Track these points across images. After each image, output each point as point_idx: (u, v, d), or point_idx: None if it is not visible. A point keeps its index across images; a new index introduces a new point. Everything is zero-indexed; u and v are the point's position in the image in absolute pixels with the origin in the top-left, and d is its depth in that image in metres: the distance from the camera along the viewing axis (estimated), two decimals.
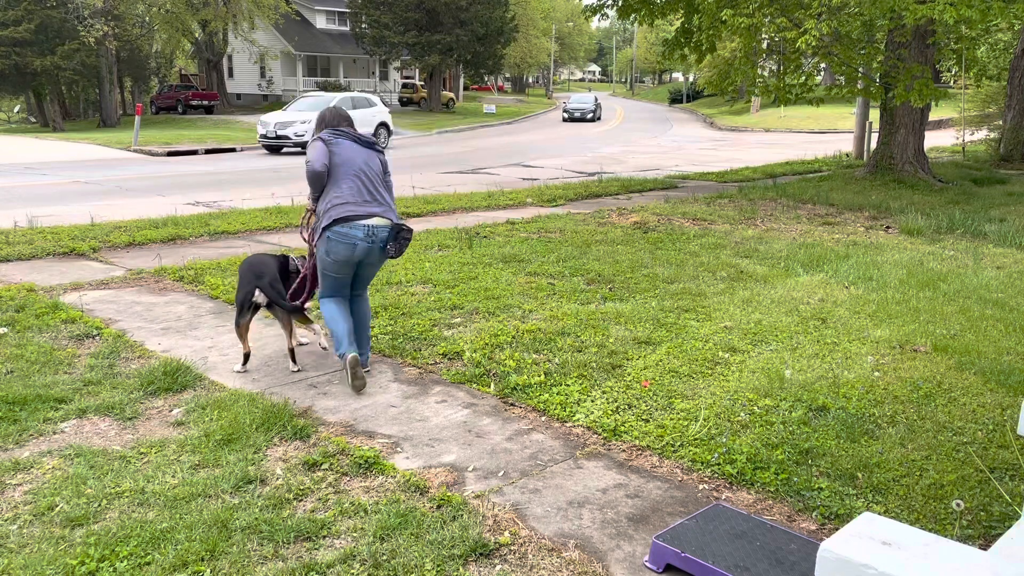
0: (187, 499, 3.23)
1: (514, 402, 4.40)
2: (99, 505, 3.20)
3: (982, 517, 3.22)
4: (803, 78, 15.08)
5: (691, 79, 60.92)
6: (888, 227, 10.14)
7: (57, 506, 3.18)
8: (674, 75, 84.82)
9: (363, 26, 43.28)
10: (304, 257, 5.04)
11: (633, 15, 16.52)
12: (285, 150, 22.32)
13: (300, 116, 21.65)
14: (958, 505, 3.01)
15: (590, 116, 43.29)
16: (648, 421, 4.11)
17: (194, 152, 22.63)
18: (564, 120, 42.81)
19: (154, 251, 8.26)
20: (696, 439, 3.85)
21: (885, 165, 14.98)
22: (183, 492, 3.28)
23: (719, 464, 3.65)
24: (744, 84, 16.63)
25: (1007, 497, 3.31)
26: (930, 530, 2.69)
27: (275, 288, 4.76)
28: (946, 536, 1.99)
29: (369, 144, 4.69)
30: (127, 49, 40.06)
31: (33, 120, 43.05)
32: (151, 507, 3.18)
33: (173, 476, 3.44)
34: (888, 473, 3.54)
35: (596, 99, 45.72)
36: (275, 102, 45.93)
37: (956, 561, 1.59)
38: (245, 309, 4.78)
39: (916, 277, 7.16)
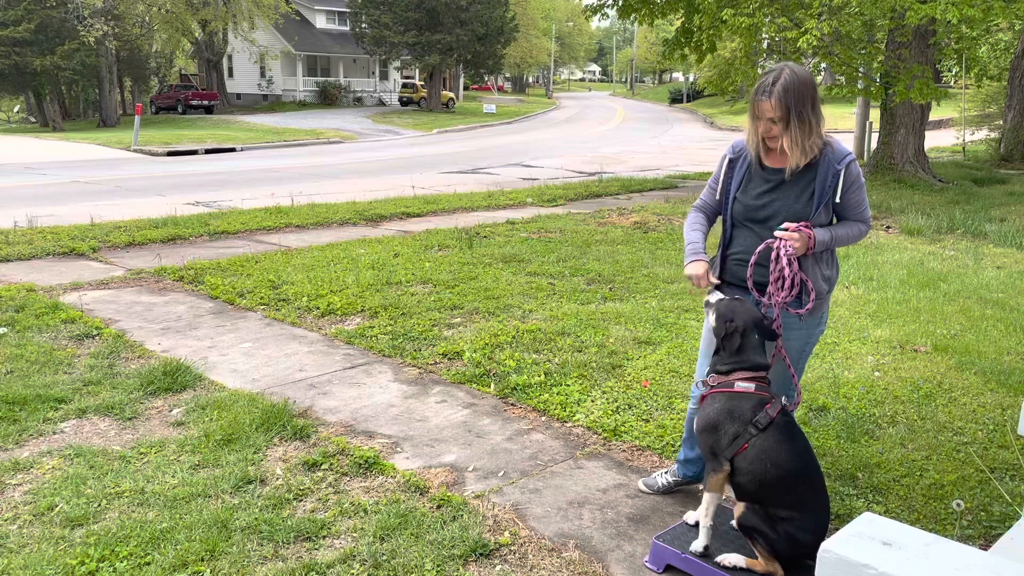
0: (187, 499, 3.23)
1: (514, 402, 4.40)
2: (99, 505, 3.20)
3: (982, 517, 3.22)
4: None
5: (691, 79, 60.84)
6: (888, 227, 10.14)
7: (57, 506, 3.18)
8: (674, 75, 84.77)
9: (363, 26, 43.28)
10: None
11: (633, 15, 16.54)
12: None
13: None
14: (958, 505, 3.01)
15: None
16: (648, 421, 4.11)
17: (194, 152, 22.63)
18: None
19: (154, 251, 8.26)
20: None
21: (885, 165, 14.99)
22: (183, 492, 3.28)
23: None
24: (744, 84, 16.63)
25: (1007, 497, 3.31)
26: (930, 530, 2.68)
27: None
28: (946, 536, 1.99)
29: None
30: (127, 49, 40.08)
31: (33, 120, 43.06)
32: (151, 507, 3.18)
33: (173, 476, 3.44)
34: (888, 473, 3.54)
35: None
36: (275, 102, 45.99)
37: (956, 561, 1.59)
38: None
39: (916, 277, 7.16)
